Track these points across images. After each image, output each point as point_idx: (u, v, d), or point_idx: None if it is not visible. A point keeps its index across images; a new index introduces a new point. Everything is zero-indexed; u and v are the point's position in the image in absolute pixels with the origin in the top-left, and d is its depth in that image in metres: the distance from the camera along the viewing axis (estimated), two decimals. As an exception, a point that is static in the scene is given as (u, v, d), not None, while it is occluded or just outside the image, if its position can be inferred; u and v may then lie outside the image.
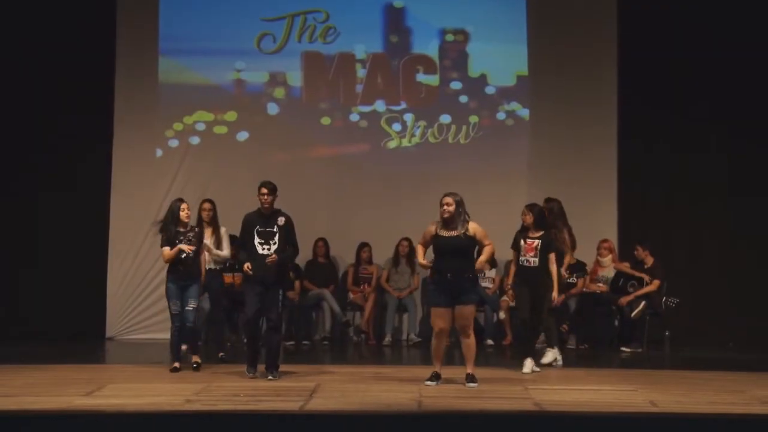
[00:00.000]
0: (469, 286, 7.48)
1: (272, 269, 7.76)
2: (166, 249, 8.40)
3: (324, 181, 11.71)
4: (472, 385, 7.40)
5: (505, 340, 11.10)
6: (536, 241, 8.54)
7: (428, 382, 7.41)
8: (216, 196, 11.59)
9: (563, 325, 10.77)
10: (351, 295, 11.42)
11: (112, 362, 9.82)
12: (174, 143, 11.77)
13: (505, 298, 11.17)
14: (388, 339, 11.05)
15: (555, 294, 8.51)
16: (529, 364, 8.41)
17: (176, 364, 8.24)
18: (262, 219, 7.91)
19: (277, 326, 7.83)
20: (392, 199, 11.62)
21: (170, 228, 8.34)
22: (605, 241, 11.14)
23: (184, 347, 8.49)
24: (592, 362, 9.46)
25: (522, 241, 8.52)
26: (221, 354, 8.70)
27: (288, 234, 7.91)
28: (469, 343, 7.54)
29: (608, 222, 11.60)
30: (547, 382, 7.70)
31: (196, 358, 8.23)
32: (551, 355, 8.82)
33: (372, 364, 9.32)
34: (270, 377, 7.70)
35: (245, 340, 8.23)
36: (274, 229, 7.86)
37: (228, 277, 11.11)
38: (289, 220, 7.95)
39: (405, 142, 11.84)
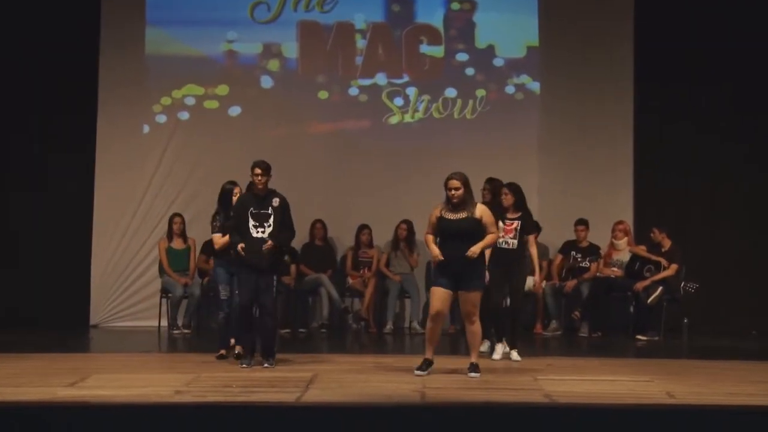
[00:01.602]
0: (475, 271, 7.47)
1: (266, 255, 7.76)
2: (218, 236, 8.39)
3: (321, 159, 11.71)
4: (474, 374, 7.41)
5: (513, 328, 11.12)
6: (515, 222, 8.55)
7: (418, 371, 7.43)
8: (207, 176, 11.65)
9: (575, 312, 10.80)
10: (350, 280, 11.43)
11: (96, 351, 9.84)
12: (162, 119, 11.76)
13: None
14: (389, 326, 11.08)
15: (538, 278, 8.48)
16: (500, 349, 8.52)
17: (222, 351, 8.27)
18: (255, 200, 7.90)
19: (271, 312, 7.84)
20: (394, 178, 11.62)
21: (229, 214, 8.25)
22: (620, 222, 11.15)
23: (233, 343, 8.43)
24: (606, 351, 9.48)
25: (500, 222, 8.48)
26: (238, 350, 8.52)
27: (283, 216, 7.90)
28: (474, 330, 7.52)
29: (623, 203, 11.61)
30: (557, 372, 7.72)
31: (239, 348, 8.25)
32: (485, 346, 8.75)
33: (372, 353, 9.34)
34: (266, 365, 7.73)
35: (227, 326, 8.24)
36: (269, 211, 7.86)
37: (218, 261, 11.13)
38: (284, 202, 7.94)
39: (407, 118, 11.83)
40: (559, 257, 11.32)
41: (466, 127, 11.75)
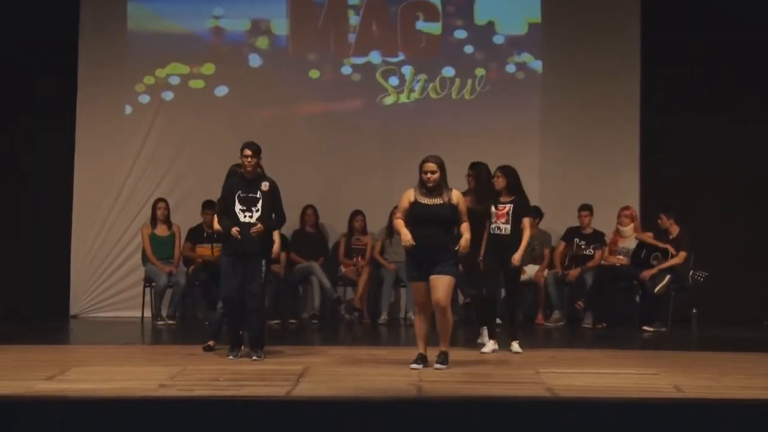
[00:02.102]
0: (446, 258, 7.43)
1: (255, 239, 7.75)
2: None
3: (313, 141, 11.69)
4: (440, 366, 7.39)
5: (513, 319, 11.13)
6: (507, 206, 8.49)
7: (414, 365, 7.42)
8: (192, 159, 11.64)
9: (579, 301, 10.81)
10: (343, 269, 11.43)
11: (76, 342, 9.84)
12: (145, 99, 11.73)
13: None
14: (384, 317, 11.08)
15: (517, 255, 8.34)
16: (491, 345, 8.49)
17: (210, 342, 8.28)
18: (244, 183, 7.89)
19: (260, 300, 7.83)
20: (389, 161, 11.61)
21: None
22: (626, 208, 11.14)
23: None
24: (611, 343, 9.49)
25: (493, 207, 8.46)
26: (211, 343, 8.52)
27: (273, 200, 7.89)
28: (445, 319, 7.46)
29: (629, 187, 11.61)
30: (560, 365, 7.73)
31: (212, 342, 8.27)
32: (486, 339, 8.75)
33: (366, 345, 9.35)
34: (254, 357, 7.73)
35: (225, 319, 8.22)
36: (257, 195, 7.85)
37: (204, 249, 11.13)
38: (274, 186, 7.93)
39: (403, 98, 11.81)
40: (562, 244, 11.32)
41: (464, 107, 11.73)
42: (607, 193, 11.49)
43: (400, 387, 6.60)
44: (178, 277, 10.96)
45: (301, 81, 11.75)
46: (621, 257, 11.08)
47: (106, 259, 11.58)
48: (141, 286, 11.14)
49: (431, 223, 7.41)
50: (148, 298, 11.05)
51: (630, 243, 11.08)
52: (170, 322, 10.85)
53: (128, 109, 11.72)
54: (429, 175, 7.50)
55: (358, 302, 11.22)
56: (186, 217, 11.31)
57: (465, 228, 7.55)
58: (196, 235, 11.17)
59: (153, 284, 10.99)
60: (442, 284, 7.40)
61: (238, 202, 7.84)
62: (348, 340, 10.05)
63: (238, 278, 7.80)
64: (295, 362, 7.67)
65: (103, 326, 10.89)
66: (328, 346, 8.95)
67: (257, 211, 7.81)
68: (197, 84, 11.76)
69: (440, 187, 7.50)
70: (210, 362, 7.67)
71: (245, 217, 7.81)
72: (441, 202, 7.48)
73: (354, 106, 11.83)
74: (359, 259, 11.39)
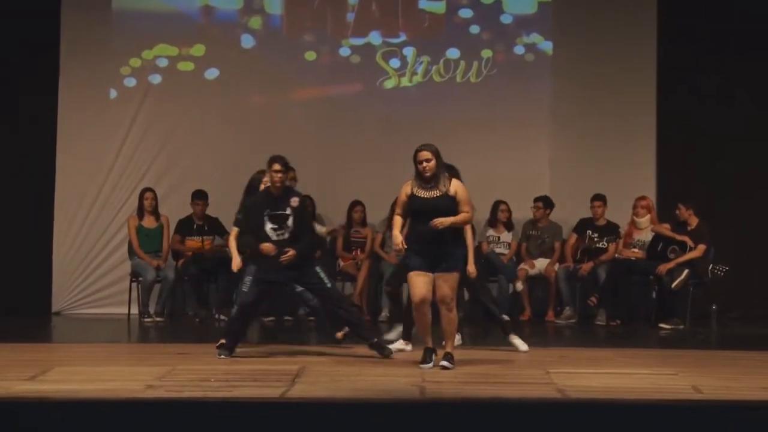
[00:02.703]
0: (453, 252, 7.45)
1: (286, 263, 7.81)
2: (235, 231, 8.50)
3: (308, 128, 11.68)
4: (447, 364, 7.41)
5: (523, 315, 11.16)
6: None
7: (424, 365, 7.44)
8: (181, 146, 11.64)
9: (591, 297, 10.81)
10: (341, 263, 11.43)
11: (59, 341, 9.84)
12: (131, 82, 11.72)
13: (523, 266, 11.21)
14: (385, 314, 11.08)
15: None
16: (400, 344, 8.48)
17: (224, 341, 8.26)
18: (272, 200, 7.87)
19: (343, 303, 8.17)
20: (389, 148, 11.58)
21: None
22: (642, 198, 11.14)
23: (340, 334, 8.57)
24: (625, 341, 9.50)
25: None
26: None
27: (303, 217, 7.94)
28: (452, 317, 7.49)
29: (645, 177, 11.61)
30: (572, 364, 7.73)
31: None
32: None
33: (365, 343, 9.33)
34: (393, 353, 7.77)
35: (235, 319, 8.18)
36: (287, 211, 7.85)
37: (194, 242, 11.14)
38: (303, 201, 7.96)
39: (405, 81, 11.80)
40: (574, 237, 11.32)
41: (470, 91, 11.72)
42: (621, 182, 11.48)
43: (402, 388, 6.60)
44: (167, 271, 10.96)
45: (297, 63, 11.73)
46: (636, 250, 11.07)
47: (90, 252, 11.58)
48: (127, 281, 11.14)
49: (431, 217, 7.41)
50: (134, 293, 11.05)
51: (646, 235, 11.08)
52: (158, 319, 10.86)
53: (113, 94, 11.71)
54: (425, 164, 7.49)
55: (358, 298, 11.22)
56: (175, 208, 11.30)
57: (461, 215, 7.46)
58: (186, 226, 11.17)
59: (140, 279, 10.99)
60: (448, 281, 7.42)
61: (269, 221, 7.84)
62: (347, 339, 10.06)
63: (261, 296, 7.98)
64: (290, 362, 7.67)
65: (87, 324, 10.89)
66: (326, 345, 8.95)
67: (289, 228, 7.84)
68: (186, 66, 11.75)
69: (437, 177, 7.50)
70: (200, 362, 7.67)
71: (278, 235, 7.84)
72: (439, 193, 7.48)
73: (353, 90, 11.81)
74: (358, 252, 11.39)
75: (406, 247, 7.41)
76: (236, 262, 8.26)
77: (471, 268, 8.17)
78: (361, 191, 11.52)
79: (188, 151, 11.60)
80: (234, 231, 8.61)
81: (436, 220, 7.35)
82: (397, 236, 7.45)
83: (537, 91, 11.76)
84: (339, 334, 8.56)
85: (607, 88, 11.64)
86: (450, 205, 7.47)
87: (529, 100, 11.74)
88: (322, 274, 8.01)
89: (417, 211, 7.47)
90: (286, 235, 7.88)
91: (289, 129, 11.55)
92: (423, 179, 7.49)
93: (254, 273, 8.16)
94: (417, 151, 7.57)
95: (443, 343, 7.54)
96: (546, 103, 11.75)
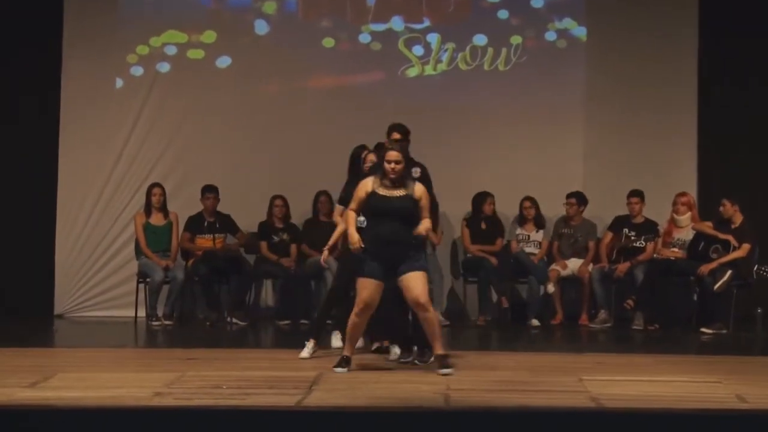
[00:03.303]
0: (415, 253, 7.46)
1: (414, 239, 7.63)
2: (339, 209, 8.46)
3: (326, 119, 11.68)
4: (447, 371, 7.39)
5: (554, 319, 11.13)
6: None
7: (338, 369, 7.49)
8: (190, 139, 11.66)
9: (628, 300, 10.78)
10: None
11: (62, 345, 9.88)
12: (138, 71, 11.75)
13: (554, 267, 11.19)
14: (408, 317, 11.05)
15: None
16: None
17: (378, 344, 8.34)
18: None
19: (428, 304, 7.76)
20: (412, 140, 11.56)
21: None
22: (682, 194, 11.10)
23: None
24: (664, 346, 9.47)
25: None
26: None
27: (427, 188, 7.79)
28: (430, 317, 7.47)
29: (686, 172, 11.57)
30: (606, 371, 7.71)
31: (383, 343, 8.41)
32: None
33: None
34: (445, 371, 7.54)
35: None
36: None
37: (205, 240, 11.16)
38: (425, 171, 7.83)
39: (429, 70, 11.79)
40: (609, 235, 11.29)
41: (498, 80, 11.70)
42: (660, 177, 11.44)
43: (426, 396, 6.60)
44: (176, 271, 10.98)
45: (314, 51, 11.74)
46: (676, 250, 11.04)
47: (95, 251, 11.62)
48: (134, 282, 11.18)
49: (392, 218, 7.44)
50: (141, 295, 11.08)
51: (686, 234, 11.04)
52: (167, 322, 10.88)
53: (119, 83, 11.74)
54: (393, 165, 7.49)
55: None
56: (184, 205, 11.33)
57: (424, 222, 7.47)
58: (196, 224, 11.20)
59: (147, 280, 11.02)
60: (417, 281, 7.42)
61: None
62: (366, 343, 10.06)
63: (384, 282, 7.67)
64: (307, 368, 7.68)
65: (91, 327, 10.93)
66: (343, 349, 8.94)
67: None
68: (196, 54, 11.77)
69: (403, 178, 7.53)
70: (211, 368, 7.69)
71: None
72: (403, 194, 7.51)
73: (373, 78, 11.81)
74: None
75: (363, 246, 7.40)
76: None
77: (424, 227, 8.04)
78: (382, 186, 11.51)
79: (198, 144, 11.62)
80: (338, 208, 8.51)
81: (421, 228, 7.36)
82: (354, 234, 7.44)
83: (570, 80, 11.72)
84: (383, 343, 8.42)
85: (645, 77, 11.60)
86: (412, 209, 7.49)
87: (562, 90, 11.70)
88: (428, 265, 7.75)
89: (376, 211, 7.49)
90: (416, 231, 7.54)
91: (306, 121, 11.56)
92: (388, 179, 7.51)
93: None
94: (386, 149, 7.59)
95: (433, 347, 7.54)
96: (579, 93, 11.71)
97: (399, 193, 7.50)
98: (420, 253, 7.53)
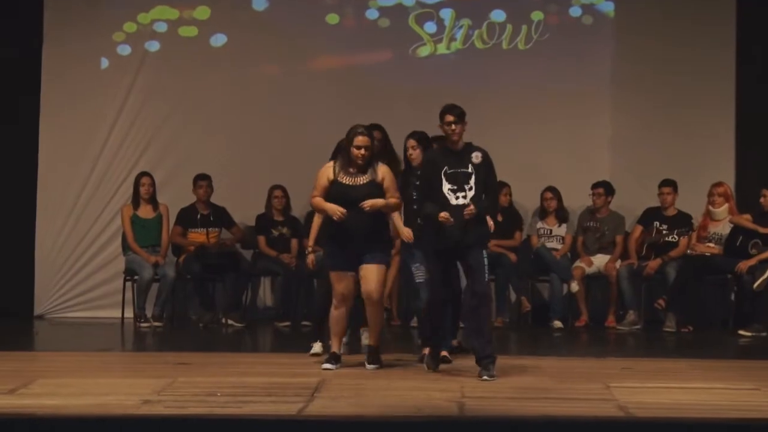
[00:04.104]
0: (377, 246, 7.71)
1: (471, 226, 7.62)
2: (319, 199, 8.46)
3: (330, 102, 11.68)
4: (373, 366, 7.81)
5: (579, 321, 11.13)
6: None
7: (327, 365, 7.75)
8: (182, 124, 11.67)
9: (659, 300, 10.78)
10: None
11: (43, 349, 9.90)
12: (125, 50, 11.77)
13: (579, 263, 11.19)
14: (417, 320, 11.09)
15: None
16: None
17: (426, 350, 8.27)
18: (450, 156, 7.76)
19: (487, 299, 7.76)
20: (423, 126, 11.54)
21: None
22: (719, 185, 11.10)
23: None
24: (699, 350, 9.47)
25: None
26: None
27: (488, 175, 7.76)
28: (378, 313, 7.86)
29: (722, 161, 11.57)
30: (635, 377, 7.72)
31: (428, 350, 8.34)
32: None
33: (395, 351, 9.35)
34: (485, 376, 7.50)
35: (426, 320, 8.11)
36: (469, 169, 7.72)
37: (198, 234, 11.18)
38: (487, 157, 7.81)
39: (442, 49, 11.79)
40: (639, 229, 11.29)
41: (517, 60, 11.70)
42: (695, 165, 11.44)
43: (438, 404, 6.61)
44: (166, 268, 11.00)
45: (317, 28, 11.75)
46: (712, 245, 11.03)
47: (78, 247, 11.65)
48: (120, 281, 11.21)
49: (355, 208, 7.60)
50: (129, 294, 11.11)
51: (723, 227, 11.04)
52: (156, 323, 10.91)
53: (104, 63, 11.76)
54: (362, 151, 7.64)
55: (386, 300, 11.22)
56: (175, 196, 11.35)
57: (390, 201, 7.73)
58: (189, 217, 11.21)
59: (135, 278, 11.04)
60: (374, 274, 7.71)
61: (446, 180, 7.71)
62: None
63: (445, 278, 7.74)
64: (308, 373, 7.69)
65: (74, 329, 10.96)
66: (349, 354, 8.97)
67: (471, 189, 7.68)
68: (189, 32, 11.78)
69: (368, 164, 7.67)
70: (205, 373, 7.71)
71: (457, 198, 7.68)
72: (365, 180, 7.67)
73: (381, 58, 11.82)
74: (387, 247, 11.39)
75: (343, 212, 7.55)
76: (405, 232, 8.04)
77: (405, 232, 8.19)
78: (391, 176, 11.51)
79: (191, 130, 11.63)
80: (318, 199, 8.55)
81: (366, 202, 7.57)
82: (332, 206, 7.62)
83: (596, 60, 11.73)
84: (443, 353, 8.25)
85: (679, 56, 11.58)
86: (378, 195, 7.68)
87: (587, 71, 11.70)
88: (486, 263, 7.66)
89: (340, 200, 7.66)
90: (468, 199, 7.61)
91: (308, 104, 11.57)
92: (354, 165, 7.66)
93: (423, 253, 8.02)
94: (355, 133, 7.71)
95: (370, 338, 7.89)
96: (606, 74, 11.70)
97: (362, 179, 7.68)
98: (383, 245, 7.78)
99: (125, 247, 11.18)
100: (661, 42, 11.61)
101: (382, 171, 7.72)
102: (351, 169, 7.67)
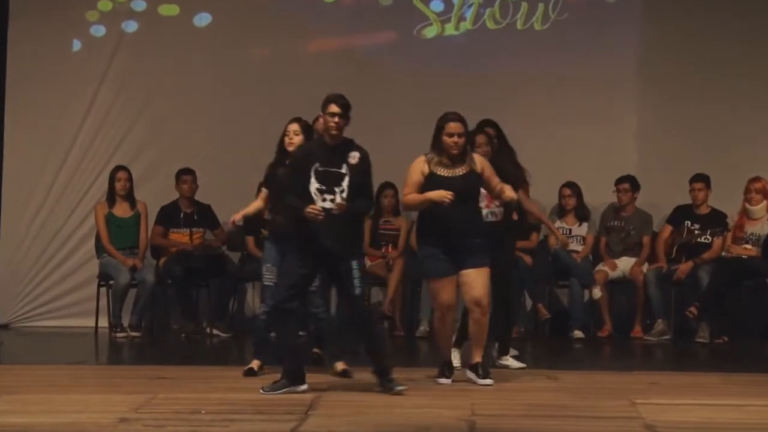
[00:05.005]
0: (482, 244, 7.69)
1: (339, 229, 7.58)
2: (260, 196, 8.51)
3: (327, 88, 11.54)
4: (488, 381, 7.73)
5: (602, 331, 11.13)
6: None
7: (442, 380, 7.69)
8: (163, 113, 11.66)
9: (691, 307, 10.78)
10: (368, 262, 11.45)
11: (8, 362, 9.89)
12: (99, 31, 11.78)
13: (602, 267, 11.19)
14: (423, 328, 11.10)
15: (558, 237, 8.34)
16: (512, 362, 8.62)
17: (255, 363, 8.35)
18: (324, 153, 7.74)
19: (364, 312, 7.85)
20: (429, 115, 11.49)
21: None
22: (756, 180, 11.10)
23: (316, 350, 8.58)
24: (734, 364, 9.48)
25: None
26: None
27: (363, 178, 7.75)
28: (485, 322, 7.82)
29: (761, 152, 11.56)
30: (664, 393, 7.73)
31: (256, 363, 8.35)
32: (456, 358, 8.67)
33: (399, 365, 9.36)
34: (399, 388, 7.53)
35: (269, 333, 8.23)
36: (343, 170, 7.71)
37: (180, 235, 11.17)
38: (366, 158, 7.82)
39: (450, 29, 11.80)
40: (668, 229, 11.29)
41: (533, 42, 11.71)
42: (729, 159, 11.44)
43: (447, 423, 6.62)
44: (145, 273, 11.00)
45: (311, 6, 11.77)
46: (749, 247, 11.04)
47: (47, 249, 11.65)
48: (94, 286, 11.22)
49: (457, 201, 7.55)
50: (103, 301, 11.11)
51: (761, 227, 11.05)
52: (134, 333, 10.92)
53: (76, 46, 11.78)
54: (456, 138, 7.62)
55: (388, 307, 11.24)
56: (155, 193, 11.36)
57: (504, 188, 7.75)
58: (170, 216, 11.21)
59: (110, 283, 11.05)
60: (481, 279, 7.70)
61: (315, 178, 7.68)
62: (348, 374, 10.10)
63: (299, 283, 7.68)
64: (302, 388, 7.70)
65: (43, 339, 10.97)
66: (348, 366, 8.98)
67: (342, 192, 7.66)
68: (170, 11, 11.79)
69: (464, 153, 7.64)
70: (187, 389, 7.72)
71: (324, 200, 7.63)
72: (466, 171, 7.65)
73: (383, 39, 11.83)
74: (389, 248, 11.41)
75: (451, 196, 7.50)
76: (238, 215, 8.04)
77: (559, 238, 8.52)
78: (393, 170, 11.43)
79: (172, 120, 11.64)
80: (263, 193, 8.56)
81: (506, 194, 7.64)
82: (435, 192, 7.57)
83: (621, 42, 11.73)
84: (340, 365, 8.44)
85: (714, 35, 11.57)
86: (477, 186, 7.71)
87: (611, 53, 11.71)
88: (357, 273, 7.68)
89: None
90: (337, 202, 7.58)
91: (303, 89, 11.51)
92: (449, 156, 7.62)
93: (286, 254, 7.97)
94: (446, 120, 7.70)
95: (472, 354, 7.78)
96: (633, 58, 11.71)
97: (461, 170, 7.63)
98: (487, 243, 7.73)
99: (99, 249, 11.18)
100: (694, 19, 11.60)
101: (480, 161, 7.71)
102: (445, 160, 7.64)
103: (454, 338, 8.40)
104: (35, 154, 11.62)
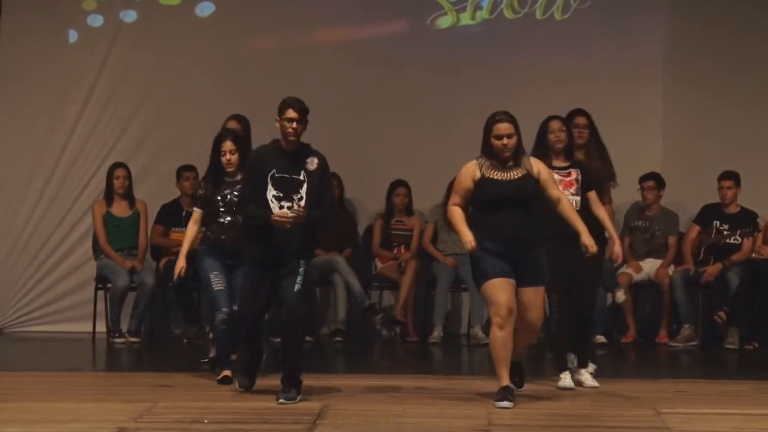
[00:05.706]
0: (536, 257, 7.53)
1: (294, 234, 7.65)
2: (198, 212, 8.64)
3: (334, 81, 11.70)
4: (503, 404, 7.44)
5: (625, 336, 11.14)
6: (573, 171, 8.37)
7: (502, 403, 7.45)
8: (163, 107, 11.69)
9: (720, 312, 10.78)
10: (379, 264, 11.47)
11: (2, 368, 9.89)
12: (96, 21, 11.81)
13: (625, 269, 11.18)
14: (437, 334, 11.11)
15: (617, 248, 8.30)
16: (566, 378, 8.35)
17: (226, 373, 8.34)
18: (281, 158, 7.79)
19: (298, 316, 7.75)
20: (444, 109, 11.62)
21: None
22: (787, 178, 11.13)
23: (234, 357, 8.59)
24: (764, 371, 9.46)
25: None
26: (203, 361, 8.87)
27: (320, 185, 7.79)
28: (527, 344, 7.88)
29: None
30: (691, 402, 7.73)
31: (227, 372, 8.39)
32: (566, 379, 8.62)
33: (411, 372, 9.38)
34: (281, 400, 7.60)
35: (227, 339, 8.29)
36: (301, 176, 7.76)
37: (182, 235, 11.16)
38: (324, 164, 7.84)
39: (465, 19, 11.81)
40: (695, 229, 11.29)
41: (553, 32, 11.72)
42: (758, 156, 11.43)
43: (461, 433, 6.64)
44: (144, 275, 11.02)
45: (319, -5, 11.80)
46: (780, 248, 11.06)
47: (42, 251, 11.68)
48: (91, 289, 11.24)
49: (513, 207, 7.45)
50: (101, 305, 11.14)
51: (794, 228, 11.07)
52: (133, 339, 10.94)
53: (73, 36, 11.80)
54: (505, 140, 7.50)
55: (400, 312, 11.25)
56: (155, 190, 11.38)
57: (567, 206, 7.69)
58: (171, 214, 11.22)
59: (108, 286, 11.07)
60: (539, 301, 7.63)
61: (272, 185, 7.73)
62: (385, 367, 10.09)
63: (263, 290, 7.78)
64: (310, 397, 7.71)
65: (37, 345, 10.99)
66: (357, 374, 8.99)
67: (300, 199, 7.71)
68: (170, 0, 11.81)
69: (517, 155, 7.56)
70: (189, 396, 7.74)
71: (281, 207, 7.67)
72: (521, 174, 7.53)
73: (395, 30, 11.84)
74: (402, 250, 11.42)
75: (475, 246, 7.39)
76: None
77: (617, 249, 8.29)
78: (406, 167, 11.53)
79: (172, 114, 11.65)
80: (196, 213, 8.61)
81: (590, 244, 7.66)
82: (466, 232, 7.43)
83: (646, 31, 11.74)
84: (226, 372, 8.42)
85: (741, 33, 11.58)
86: (533, 189, 7.54)
87: (636, 44, 11.71)
88: (302, 271, 7.72)
89: (492, 200, 7.49)
90: (293, 209, 7.61)
91: (308, 82, 11.53)
92: (500, 159, 7.52)
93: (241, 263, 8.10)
94: (493, 121, 7.54)
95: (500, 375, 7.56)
96: (659, 48, 11.71)
97: (516, 174, 7.55)
98: (544, 255, 7.61)
99: (97, 250, 11.20)
100: (723, 13, 11.60)
101: (536, 164, 7.62)
102: (498, 163, 7.56)
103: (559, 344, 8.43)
104: (29, 150, 11.64)
